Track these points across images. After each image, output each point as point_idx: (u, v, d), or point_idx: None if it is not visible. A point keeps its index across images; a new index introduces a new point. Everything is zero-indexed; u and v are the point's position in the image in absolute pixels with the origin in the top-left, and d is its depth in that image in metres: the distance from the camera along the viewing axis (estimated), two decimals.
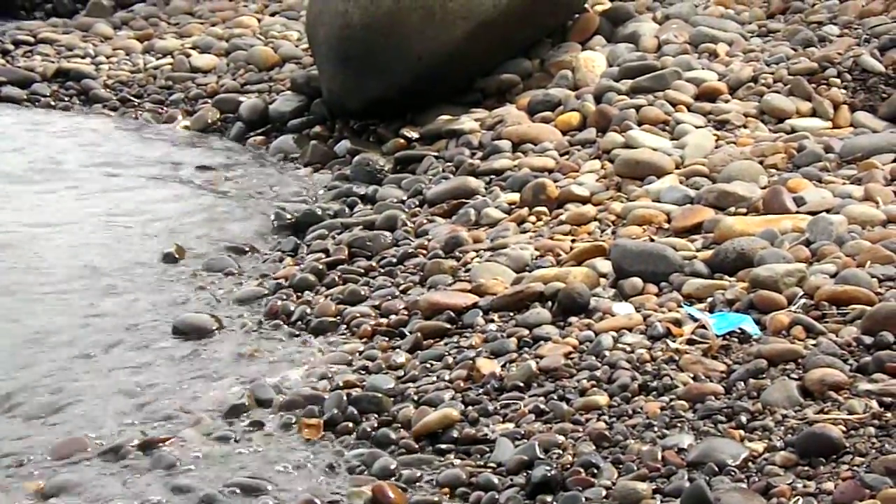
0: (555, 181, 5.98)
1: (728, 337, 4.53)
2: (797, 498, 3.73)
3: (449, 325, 4.99)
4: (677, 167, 5.95)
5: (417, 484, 4.13)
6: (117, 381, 4.83)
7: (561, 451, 4.12)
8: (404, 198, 6.34)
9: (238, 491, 4.12)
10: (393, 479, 4.16)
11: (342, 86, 7.27)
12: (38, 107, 8.14)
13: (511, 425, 4.31)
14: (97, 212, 6.51)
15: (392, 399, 4.59)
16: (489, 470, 4.12)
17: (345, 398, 4.58)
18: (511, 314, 4.96)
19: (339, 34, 7.21)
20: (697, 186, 5.69)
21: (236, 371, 4.88)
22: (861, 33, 7.05)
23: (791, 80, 6.61)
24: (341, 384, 4.70)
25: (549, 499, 3.94)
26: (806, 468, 3.86)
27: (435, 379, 4.66)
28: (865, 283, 4.66)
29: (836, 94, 6.51)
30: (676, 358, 4.46)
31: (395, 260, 5.66)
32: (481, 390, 4.53)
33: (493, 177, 6.27)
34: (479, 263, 5.37)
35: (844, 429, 3.96)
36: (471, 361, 4.68)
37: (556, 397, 4.40)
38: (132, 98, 8.08)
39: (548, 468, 4.01)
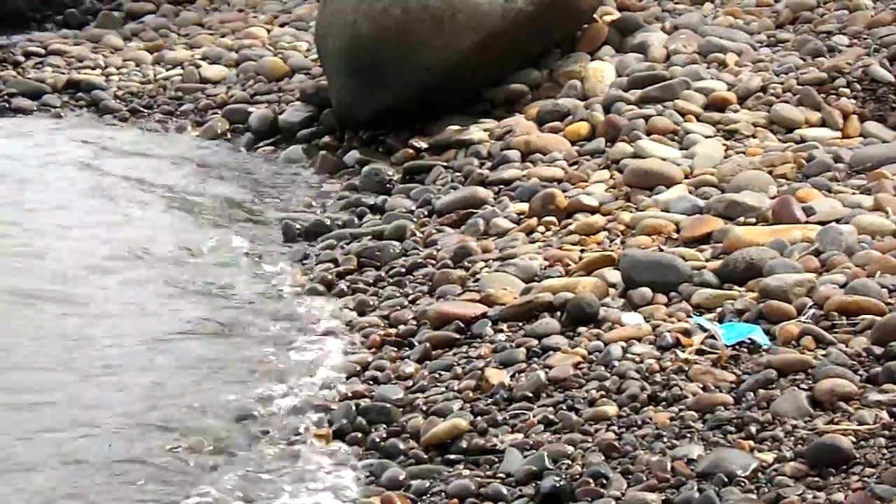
0: (564, 191, 5.97)
1: (737, 347, 4.52)
2: None
3: (458, 336, 4.98)
4: (686, 177, 5.94)
5: (426, 494, 4.12)
6: (128, 386, 4.83)
7: (570, 462, 4.11)
8: (413, 208, 6.33)
9: (246, 500, 4.12)
10: (402, 489, 4.16)
11: (351, 96, 7.27)
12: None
13: (520, 436, 4.31)
14: (112, 214, 6.53)
15: (401, 409, 4.58)
16: (498, 480, 4.12)
17: (354, 408, 4.58)
18: (520, 324, 4.95)
19: (348, 45, 7.21)
20: (706, 196, 5.68)
21: (246, 379, 4.88)
22: (870, 43, 7.04)
23: (800, 90, 6.60)
24: (350, 394, 4.70)
25: None
26: (816, 479, 3.85)
27: (444, 389, 4.66)
28: (875, 293, 4.65)
29: (845, 104, 6.50)
30: (686, 368, 4.45)
31: (403, 270, 5.65)
32: (490, 400, 4.53)
33: (501, 187, 6.27)
34: (488, 273, 5.37)
35: (854, 439, 3.95)
36: (480, 372, 4.68)
37: (565, 407, 4.39)
38: (142, 109, 8.09)
39: (557, 479, 4.00)
